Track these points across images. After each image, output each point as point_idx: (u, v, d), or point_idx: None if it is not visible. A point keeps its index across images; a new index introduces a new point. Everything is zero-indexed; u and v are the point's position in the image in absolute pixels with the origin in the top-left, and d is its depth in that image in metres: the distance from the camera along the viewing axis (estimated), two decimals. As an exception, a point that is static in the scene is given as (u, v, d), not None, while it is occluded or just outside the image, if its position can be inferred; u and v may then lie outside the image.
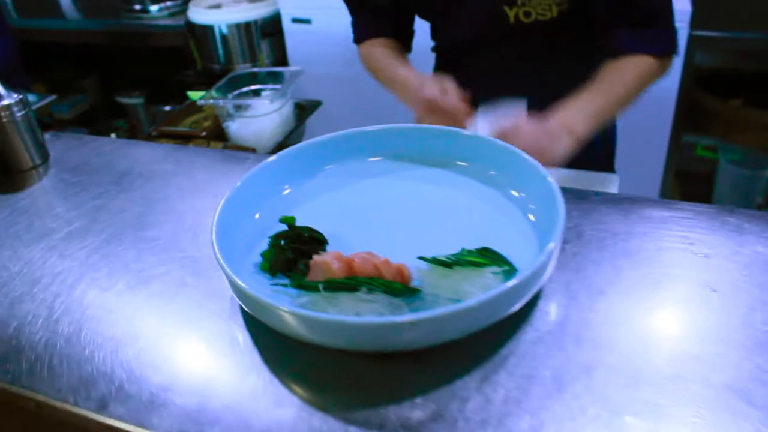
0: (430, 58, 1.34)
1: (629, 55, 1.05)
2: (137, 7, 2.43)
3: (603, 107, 1.03)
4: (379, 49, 1.23)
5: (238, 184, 0.70)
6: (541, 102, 1.03)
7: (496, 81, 1.19)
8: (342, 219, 0.72)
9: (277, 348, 0.60)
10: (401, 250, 0.63)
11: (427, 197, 0.75)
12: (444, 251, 0.62)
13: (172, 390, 0.57)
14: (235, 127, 1.34)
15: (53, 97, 1.63)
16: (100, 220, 0.82)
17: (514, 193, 0.73)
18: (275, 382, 0.57)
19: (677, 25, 1.10)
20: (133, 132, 1.43)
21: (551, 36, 1.11)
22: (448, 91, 0.99)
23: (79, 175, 0.93)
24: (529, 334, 0.59)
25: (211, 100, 1.30)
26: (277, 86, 1.39)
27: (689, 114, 2.10)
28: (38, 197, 0.89)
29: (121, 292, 0.70)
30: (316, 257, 0.60)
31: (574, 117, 1.00)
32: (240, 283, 0.57)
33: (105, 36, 2.50)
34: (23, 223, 0.83)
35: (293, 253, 0.65)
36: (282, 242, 0.66)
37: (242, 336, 0.62)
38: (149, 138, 1.33)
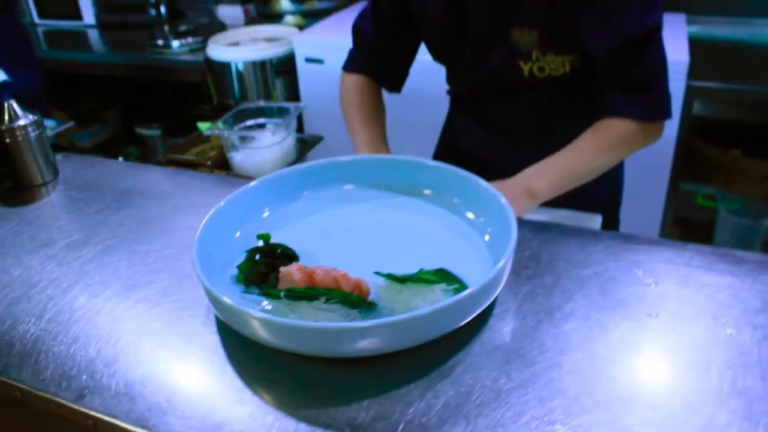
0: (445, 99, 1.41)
1: (614, 118, 1.07)
2: (160, 42, 2.55)
3: (569, 170, 1.07)
4: (355, 90, 1.28)
5: (221, 204, 0.76)
6: (551, 150, 1.08)
7: (508, 128, 1.25)
8: (315, 239, 0.77)
9: (243, 352, 0.65)
10: (366, 268, 0.68)
11: (393, 222, 0.81)
12: (406, 270, 0.67)
13: (144, 385, 0.62)
14: (239, 158, 1.41)
15: (71, 123, 1.73)
16: (98, 233, 0.89)
17: (472, 216, 0.79)
18: (238, 382, 0.62)
19: (675, 75, 1.13)
20: (143, 159, 1.51)
21: (564, 89, 1.14)
22: None
23: (84, 192, 1.00)
24: (476, 348, 0.63)
25: (216, 131, 1.37)
26: (281, 120, 1.47)
27: (689, 163, 2.15)
28: (45, 210, 0.96)
29: (109, 297, 0.75)
30: (282, 269, 0.66)
31: (536, 179, 1.05)
32: (209, 286, 0.62)
33: (129, 69, 2.62)
34: (28, 233, 0.90)
35: (266, 266, 0.71)
36: (257, 256, 0.72)
37: (213, 339, 0.67)
38: (157, 165, 1.41)
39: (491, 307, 0.68)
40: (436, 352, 0.62)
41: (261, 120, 1.49)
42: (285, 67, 2.38)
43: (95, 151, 2.86)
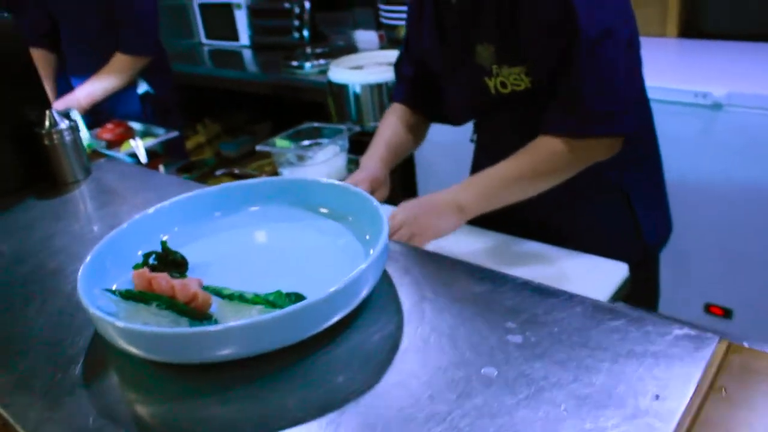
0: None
1: (546, 135, 1.07)
2: (294, 63, 2.74)
3: (498, 185, 1.08)
4: (389, 114, 1.34)
5: (124, 226, 0.80)
6: None
7: (497, 147, 1.25)
8: (212, 254, 0.81)
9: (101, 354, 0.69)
10: (247, 284, 0.70)
11: (289, 241, 0.82)
12: (286, 287, 0.67)
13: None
14: (287, 174, 1.48)
15: (176, 133, 1.93)
16: (90, 223, 0.99)
17: (366, 237, 0.78)
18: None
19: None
20: (216, 166, 1.66)
21: (532, 106, 1.13)
22: None
23: (105, 194, 1.13)
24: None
25: (267, 148, 1.46)
26: (328, 140, 1.52)
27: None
28: (69, 204, 1.09)
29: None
30: (134, 272, 0.70)
31: (463, 193, 1.07)
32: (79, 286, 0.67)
33: (267, 87, 2.85)
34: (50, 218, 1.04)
35: (152, 270, 0.75)
36: (151, 259, 0.76)
37: (82, 341, 0.72)
38: (215, 177, 1.53)
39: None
40: (299, 360, 0.63)
41: (319, 140, 1.55)
42: (398, 91, 2.43)
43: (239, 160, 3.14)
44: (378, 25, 2.92)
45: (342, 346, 0.64)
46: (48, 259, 0.91)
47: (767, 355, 0.60)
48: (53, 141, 1.13)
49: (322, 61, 2.72)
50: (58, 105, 2.13)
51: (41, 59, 2.18)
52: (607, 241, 1.29)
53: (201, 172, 1.65)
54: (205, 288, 0.67)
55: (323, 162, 1.46)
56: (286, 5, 2.94)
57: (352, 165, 1.57)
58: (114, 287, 0.71)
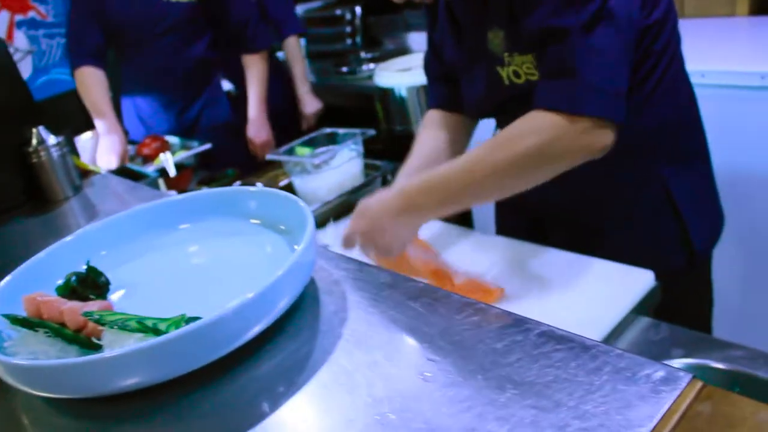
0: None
1: (534, 110, 0.93)
2: (344, 69, 2.69)
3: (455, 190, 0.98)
4: (425, 131, 1.26)
5: (41, 255, 0.75)
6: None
7: None
8: (142, 276, 0.74)
9: None
10: (174, 306, 0.63)
11: (218, 258, 0.75)
12: (209, 306, 0.60)
13: None
14: (297, 182, 1.41)
15: (209, 146, 1.92)
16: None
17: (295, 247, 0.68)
18: None
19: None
20: (237, 178, 1.62)
21: None
22: None
23: (92, 211, 1.10)
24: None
25: (275, 156, 1.40)
26: (354, 147, 1.43)
27: None
28: (58, 220, 1.08)
29: None
30: (23, 297, 0.64)
31: (418, 197, 0.99)
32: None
33: (322, 94, 2.82)
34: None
35: (72, 292, 0.69)
36: (72, 279, 0.71)
37: None
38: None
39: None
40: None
41: (332, 146, 1.48)
42: (444, 93, 2.32)
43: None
44: (430, 26, 2.82)
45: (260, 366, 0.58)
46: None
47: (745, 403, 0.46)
48: (41, 158, 1.12)
49: (372, 66, 2.66)
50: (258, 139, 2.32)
51: (93, 77, 2.22)
52: (645, 244, 1.14)
53: (220, 185, 1.62)
54: (86, 314, 0.60)
55: (335, 168, 1.38)
56: (338, 12, 2.90)
57: (370, 170, 1.48)
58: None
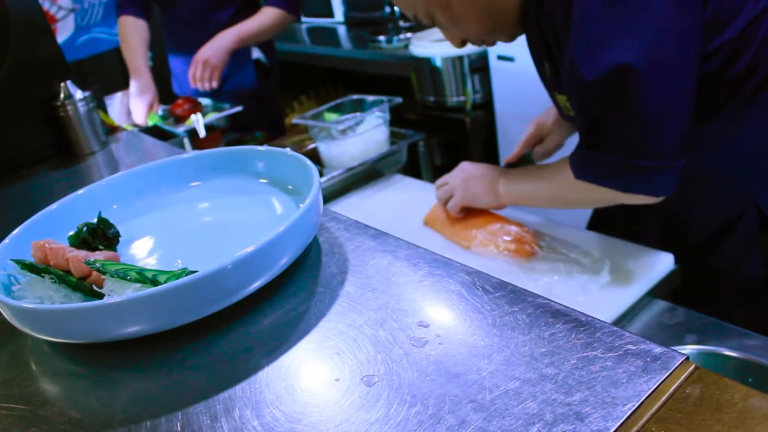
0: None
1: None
2: (381, 38, 2.66)
3: (530, 200, 1.12)
4: None
5: (53, 207, 0.76)
6: None
7: None
8: (151, 230, 0.75)
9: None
10: (183, 261, 0.65)
11: (226, 215, 0.76)
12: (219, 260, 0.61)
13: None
14: (322, 147, 1.41)
15: (240, 108, 1.93)
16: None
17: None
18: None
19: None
20: (264, 141, 1.62)
21: None
22: None
23: (116, 165, 1.12)
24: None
25: (301, 120, 1.39)
26: (380, 114, 1.42)
27: None
28: (83, 174, 1.10)
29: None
30: (33, 242, 0.65)
31: (504, 192, 1.13)
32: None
33: (358, 63, 2.80)
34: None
35: (83, 242, 0.71)
36: (84, 229, 0.72)
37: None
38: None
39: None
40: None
41: (360, 113, 1.47)
42: (479, 64, 2.28)
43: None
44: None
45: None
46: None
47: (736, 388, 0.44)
48: (68, 112, 1.14)
49: (408, 35, 2.62)
50: (203, 54, 2.08)
51: (134, 26, 2.22)
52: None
53: (247, 147, 1.63)
54: (89, 263, 0.61)
55: (360, 135, 1.37)
56: (377, -21, 2.87)
57: (396, 138, 1.47)
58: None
